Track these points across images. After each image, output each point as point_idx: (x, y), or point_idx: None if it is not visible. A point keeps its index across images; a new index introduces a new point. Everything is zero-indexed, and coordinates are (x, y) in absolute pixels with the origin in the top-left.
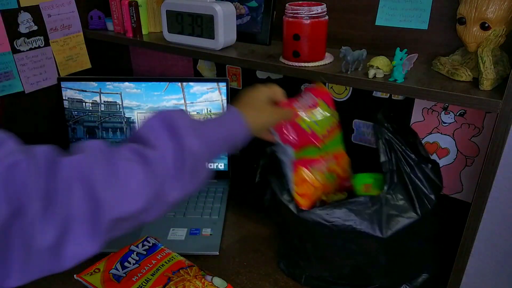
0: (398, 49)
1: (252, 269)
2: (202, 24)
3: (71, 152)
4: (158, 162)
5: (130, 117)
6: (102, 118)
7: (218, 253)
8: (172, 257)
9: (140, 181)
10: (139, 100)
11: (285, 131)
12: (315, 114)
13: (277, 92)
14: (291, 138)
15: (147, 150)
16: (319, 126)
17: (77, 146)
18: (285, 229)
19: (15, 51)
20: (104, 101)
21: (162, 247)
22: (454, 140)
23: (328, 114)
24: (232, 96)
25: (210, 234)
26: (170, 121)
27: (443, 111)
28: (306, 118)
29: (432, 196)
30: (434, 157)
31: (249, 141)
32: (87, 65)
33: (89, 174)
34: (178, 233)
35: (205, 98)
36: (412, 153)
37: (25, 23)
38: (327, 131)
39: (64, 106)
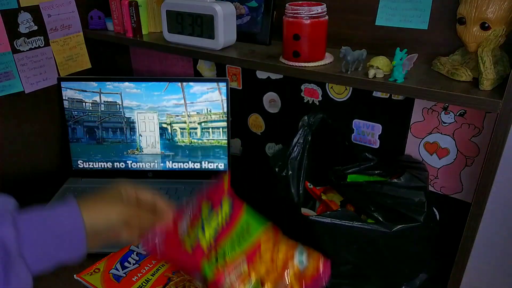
0: (398, 49)
1: None
2: (202, 24)
3: None
4: None
5: (130, 117)
6: (102, 118)
7: None
8: None
9: None
10: (139, 100)
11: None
12: (200, 222)
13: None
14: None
15: None
16: (205, 233)
17: None
18: (286, 224)
19: (15, 51)
20: (104, 101)
21: None
22: (454, 140)
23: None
24: (232, 96)
25: None
26: None
27: (443, 111)
28: (189, 233)
29: (422, 198)
30: (434, 157)
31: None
32: (87, 65)
33: None
34: None
35: (205, 98)
36: (373, 182)
37: (25, 23)
38: (219, 231)
39: (64, 106)
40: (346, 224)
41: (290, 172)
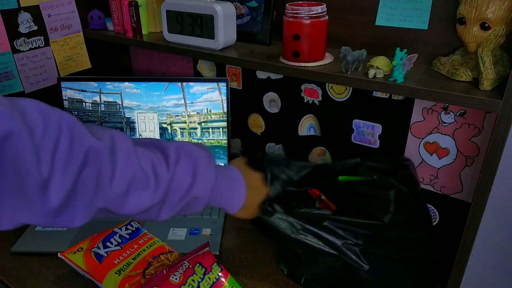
0: (398, 49)
1: (252, 269)
2: (202, 24)
3: (95, 131)
4: (166, 190)
5: (130, 117)
6: (102, 118)
7: (218, 253)
8: (154, 242)
9: (142, 200)
10: (139, 100)
11: None
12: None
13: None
14: None
15: (163, 170)
16: None
17: (103, 130)
18: (279, 241)
19: (15, 51)
20: (104, 101)
21: (145, 231)
22: (454, 140)
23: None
24: (232, 96)
25: (210, 234)
26: (197, 163)
27: (443, 111)
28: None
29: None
30: (434, 157)
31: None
32: (87, 65)
33: (104, 169)
34: (178, 233)
35: (205, 98)
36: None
37: (25, 23)
38: None
39: (64, 106)
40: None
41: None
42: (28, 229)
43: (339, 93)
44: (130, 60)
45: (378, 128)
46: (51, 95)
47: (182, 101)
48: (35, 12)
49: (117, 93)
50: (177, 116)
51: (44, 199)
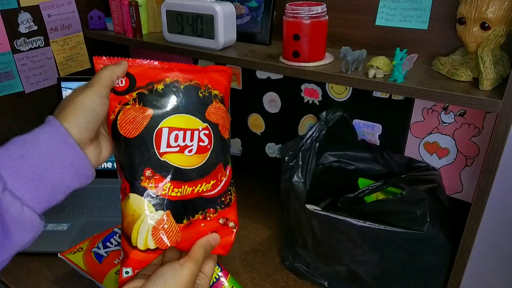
0: (398, 49)
1: (252, 269)
2: (202, 24)
3: None
4: None
5: None
6: None
7: None
8: None
9: None
10: None
11: None
12: None
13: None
14: None
15: None
16: None
17: None
18: (289, 215)
19: (15, 51)
20: None
21: None
22: (454, 140)
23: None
24: (232, 96)
25: None
26: None
27: (443, 111)
28: None
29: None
30: (434, 157)
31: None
32: (87, 65)
33: None
34: None
35: None
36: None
37: (25, 23)
38: None
39: None
40: (341, 218)
41: (300, 163)
42: None
43: (339, 93)
44: None
45: (378, 128)
46: (51, 95)
47: None
48: (35, 12)
49: None
50: None
51: None
